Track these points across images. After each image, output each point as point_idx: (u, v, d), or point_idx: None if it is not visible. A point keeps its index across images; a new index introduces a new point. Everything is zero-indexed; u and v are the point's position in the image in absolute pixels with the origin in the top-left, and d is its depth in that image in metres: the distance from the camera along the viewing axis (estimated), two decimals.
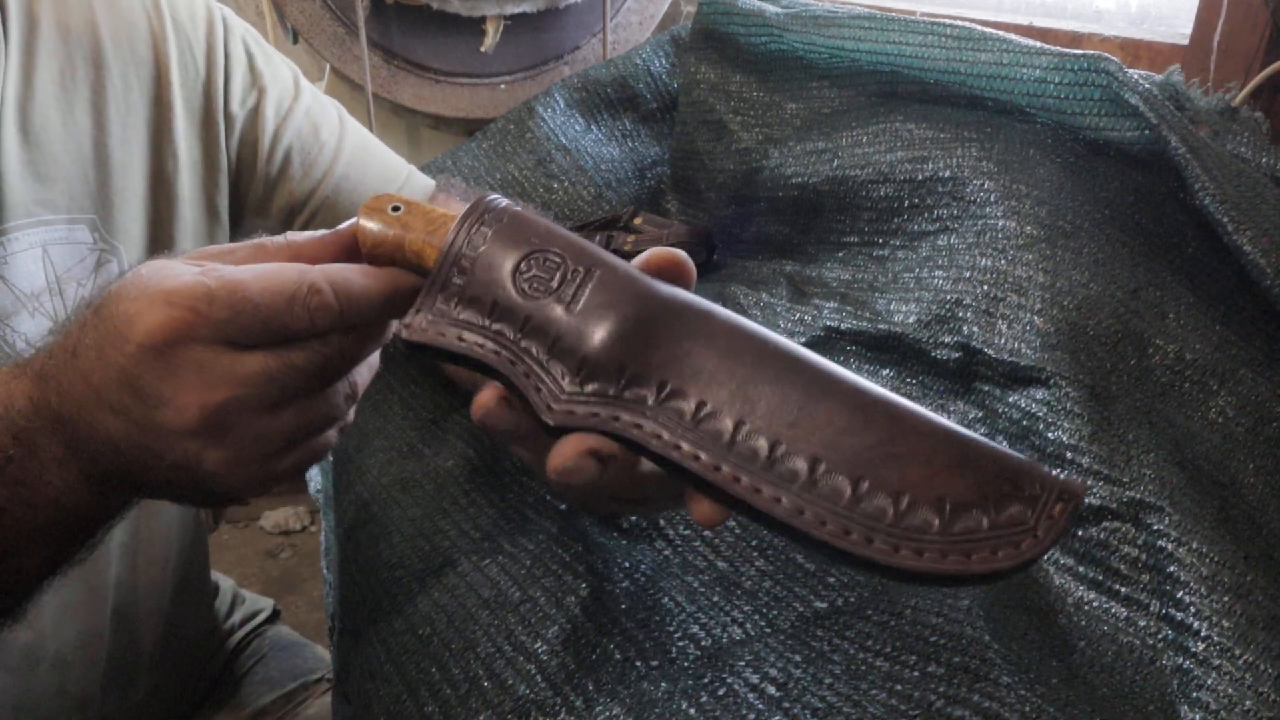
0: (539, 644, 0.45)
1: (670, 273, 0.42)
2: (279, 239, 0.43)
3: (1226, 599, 0.45)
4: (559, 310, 0.39)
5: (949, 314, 0.61)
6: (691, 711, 0.41)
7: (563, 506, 0.55)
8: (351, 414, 0.45)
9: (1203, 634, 0.44)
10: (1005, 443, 0.56)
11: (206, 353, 0.38)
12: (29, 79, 0.56)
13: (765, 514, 0.35)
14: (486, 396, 0.39)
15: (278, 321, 0.38)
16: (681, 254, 0.42)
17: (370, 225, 0.42)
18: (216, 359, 0.38)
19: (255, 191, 0.67)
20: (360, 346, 0.42)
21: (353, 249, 0.43)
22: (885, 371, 0.65)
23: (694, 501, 0.37)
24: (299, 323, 0.39)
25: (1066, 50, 0.65)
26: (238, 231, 0.67)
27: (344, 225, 0.43)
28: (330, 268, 0.40)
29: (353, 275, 0.40)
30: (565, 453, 0.37)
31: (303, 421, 0.41)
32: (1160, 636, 0.46)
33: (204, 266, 0.40)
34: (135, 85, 0.61)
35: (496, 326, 0.39)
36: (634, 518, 0.54)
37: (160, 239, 0.63)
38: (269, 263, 0.40)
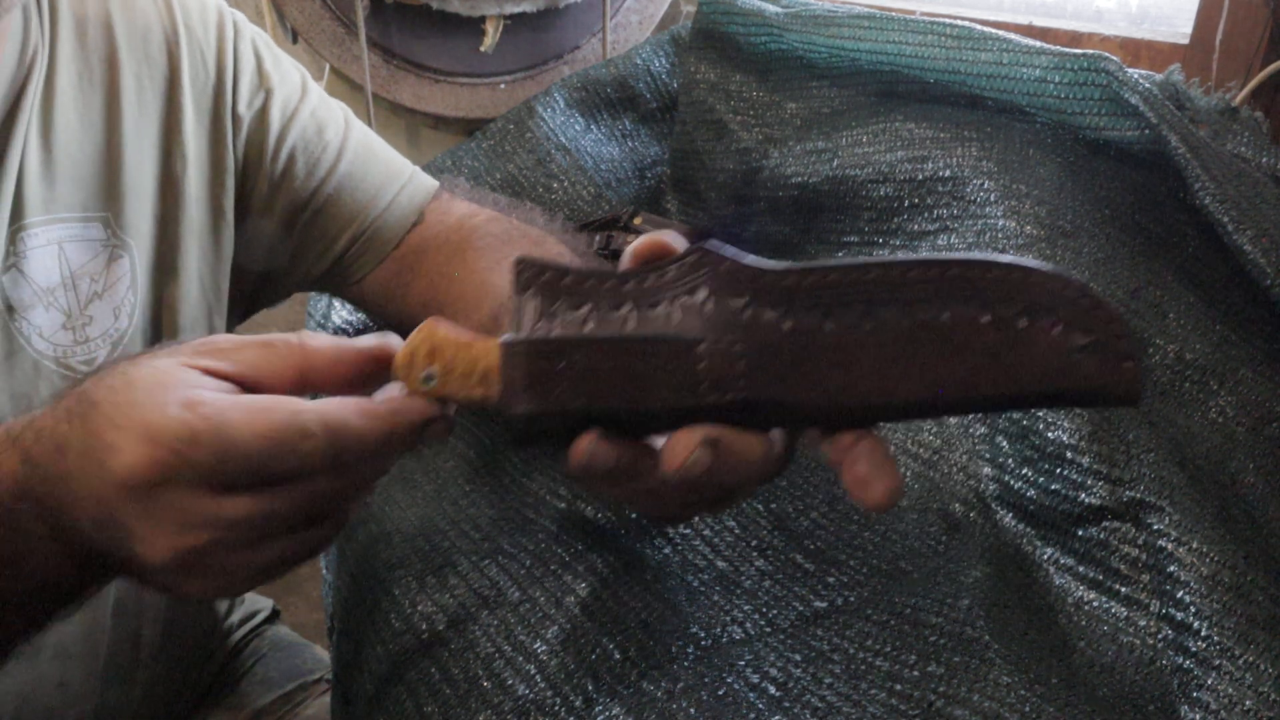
0: (539, 644, 0.45)
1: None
2: (291, 339, 0.40)
3: (1227, 599, 0.45)
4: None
5: None
6: (691, 711, 0.41)
7: (562, 505, 0.55)
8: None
9: (1203, 634, 0.44)
10: (1005, 443, 0.56)
11: (187, 496, 0.36)
12: (51, 81, 0.58)
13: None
14: (585, 440, 0.37)
15: (264, 468, 0.37)
16: (664, 238, 0.40)
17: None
18: (197, 503, 0.36)
19: (260, 191, 0.68)
20: (352, 485, 0.40)
21: (370, 368, 0.40)
22: None
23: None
24: (287, 468, 0.37)
25: (1066, 50, 0.65)
26: (242, 229, 0.68)
27: (365, 342, 0.40)
28: (327, 408, 0.37)
29: (350, 417, 0.37)
30: (680, 447, 0.36)
31: (286, 554, 0.40)
32: (1160, 636, 0.46)
33: (193, 394, 0.37)
34: (148, 86, 0.62)
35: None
36: (633, 515, 0.54)
37: (168, 237, 0.64)
38: (261, 396, 0.38)
